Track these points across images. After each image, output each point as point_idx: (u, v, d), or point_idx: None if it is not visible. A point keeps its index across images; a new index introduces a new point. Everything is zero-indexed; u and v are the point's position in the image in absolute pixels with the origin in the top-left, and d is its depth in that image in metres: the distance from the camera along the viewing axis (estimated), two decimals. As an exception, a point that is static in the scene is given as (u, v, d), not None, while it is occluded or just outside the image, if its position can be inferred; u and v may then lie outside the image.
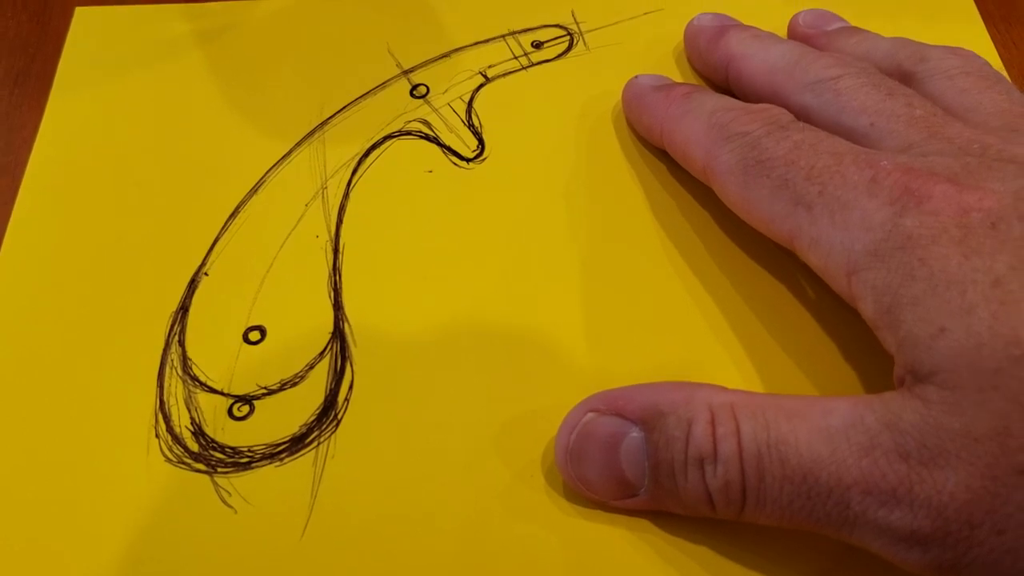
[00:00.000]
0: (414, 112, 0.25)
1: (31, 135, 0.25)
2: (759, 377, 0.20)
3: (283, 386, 0.20)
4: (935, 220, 0.16)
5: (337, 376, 0.20)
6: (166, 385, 0.20)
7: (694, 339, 0.21)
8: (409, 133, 0.25)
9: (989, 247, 0.15)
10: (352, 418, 0.20)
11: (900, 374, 0.16)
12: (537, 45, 0.27)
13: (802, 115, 0.20)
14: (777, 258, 0.22)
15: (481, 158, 0.24)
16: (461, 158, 0.24)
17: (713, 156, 0.20)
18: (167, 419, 0.20)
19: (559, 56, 0.26)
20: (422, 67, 0.26)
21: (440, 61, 0.26)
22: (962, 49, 0.22)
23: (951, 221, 0.16)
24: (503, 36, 0.27)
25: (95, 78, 0.25)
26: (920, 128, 0.19)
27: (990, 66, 0.22)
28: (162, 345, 0.21)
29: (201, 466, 0.19)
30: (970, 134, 0.18)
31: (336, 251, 0.22)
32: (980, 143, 0.18)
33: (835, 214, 0.17)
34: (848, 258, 0.17)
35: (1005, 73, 0.26)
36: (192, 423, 0.20)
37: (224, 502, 0.19)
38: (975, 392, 0.14)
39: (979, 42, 0.27)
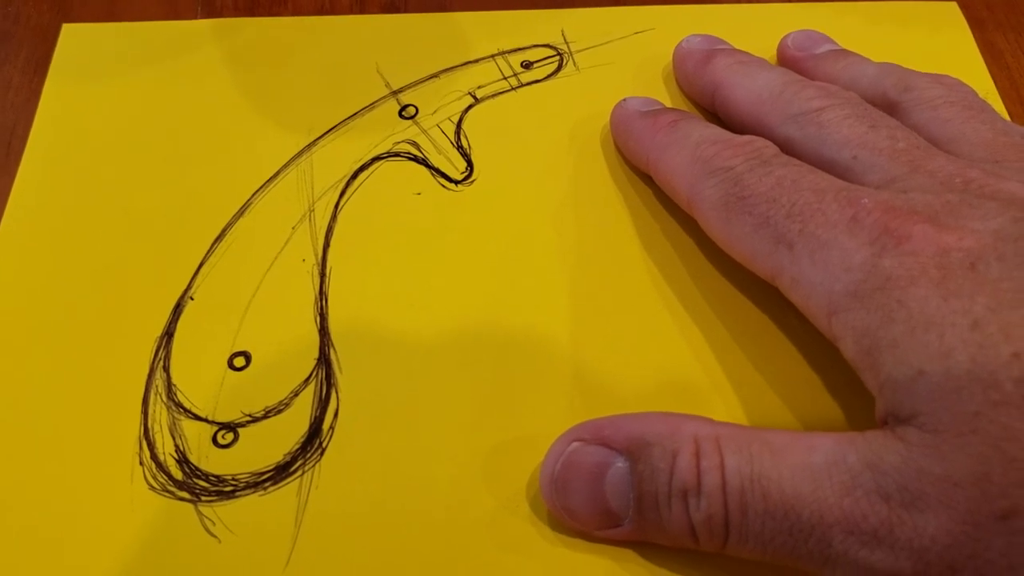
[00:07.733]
0: (403, 133, 0.25)
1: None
2: (741, 404, 0.20)
3: (268, 413, 0.20)
4: (914, 261, 0.16)
5: (322, 404, 0.20)
6: (150, 412, 0.20)
7: (680, 365, 0.21)
8: (398, 155, 0.25)
9: (968, 288, 0.15)
10: (337, 446, 0.20)
11: (881, 415, 0.16)
12: (527, 65, 0.27)
13: (786, 146, 0.20)
14: (762, 285, 0.22)
15: (470, 180, 0.24)
16: (450, 180, 0.24)
17: (696, 191, 0.20)
18: (151, 446, 0.20)
19: (549, 76, 0.26)
20: (411, 87, 0.26)
21: (429, 81, 0.26)
22: (947, 77, 0.22)
23: (930, 262, 0.16)
24: (492, 56, 0.27)
25: (79, 97, 0.25)
26: (903, 162, 0.19)
27: (975, 94, 0.22)
28: (147, 371, 0.21)
29: (185, 494, 0.19)
30: (952, 168, 0.18)
31: (323, 275, 0.22)
32: (963, 177, 0.18)
33: (815, 253, 0.17)
34: (828, 299, 0.17)
35: (996, 95, 0.26)
36: (176, 450, 0.20)
37: (208, 531, 0.19)
38: (955, 436, 0.14)
39: (965, 48, 0.27)
